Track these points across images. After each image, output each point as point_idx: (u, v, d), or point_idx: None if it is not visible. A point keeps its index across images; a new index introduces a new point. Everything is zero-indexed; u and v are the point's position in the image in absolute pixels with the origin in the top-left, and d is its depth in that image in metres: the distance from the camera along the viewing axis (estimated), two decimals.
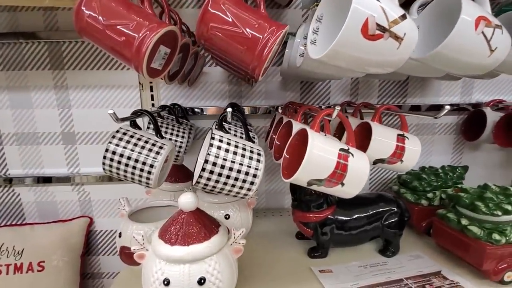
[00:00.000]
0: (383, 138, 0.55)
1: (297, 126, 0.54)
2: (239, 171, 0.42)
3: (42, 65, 0.77)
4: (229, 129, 0.56)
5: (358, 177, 0.43)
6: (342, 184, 0.43)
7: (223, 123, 0.47)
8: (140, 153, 0.46)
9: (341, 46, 0.36)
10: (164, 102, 0.81)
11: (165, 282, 0.41)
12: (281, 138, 0.62)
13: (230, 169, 0.42)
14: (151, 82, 0.80)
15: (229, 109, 0.42)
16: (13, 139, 0.81)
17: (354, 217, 0.64)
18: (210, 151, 0.40)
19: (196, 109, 0.80)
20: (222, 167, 0.41)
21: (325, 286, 0.54)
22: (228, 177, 0.42)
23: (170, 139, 0.64)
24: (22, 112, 0.79)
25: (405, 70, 0.53)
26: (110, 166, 0.47)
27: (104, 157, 0.46)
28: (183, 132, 0.66)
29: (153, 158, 0.46)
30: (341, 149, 0.42)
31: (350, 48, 0.36)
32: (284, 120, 0.64)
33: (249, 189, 0.44)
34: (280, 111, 0.81)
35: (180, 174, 0.74)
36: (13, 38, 0.73)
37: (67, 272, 0.79)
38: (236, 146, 0.43)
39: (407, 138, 0.56)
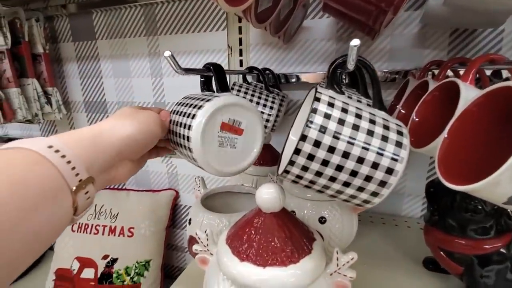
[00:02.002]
0: None
1: (468, 90, 0.30)
2: (360, 160, 0.23)
3: (139, 32, 0.75)
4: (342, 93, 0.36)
5: None
6: None
7: (334, 83, 0.28)
8: (184, 113, 0.31)
9: None
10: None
11: None
12: (424, 112, 0.38)
13: (345, 155, 0.23)
14: (240, 45, 0.67)
15: (356, 42, 0.22)
16: (116, 108, 0.85)
17: None
18: (312, 121, 0.23)
19: (291, 76, 0.63)
20: (331, 150, 0.23)
21: None
22: (339, 168, 0.24)
23: None
24: (123, 81, 0.81)
25: None
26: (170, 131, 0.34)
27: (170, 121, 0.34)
28: (272, 102, 0.51)
29: (191, 118, 0.29)
30: None
31: None
32: (431, 84, 0.40)
33: (375, 194, 0.25)
34: (412, 76, 0.55)
35: (266, 155, 0.60)
36: (113, 4, 0.72)
37: (153, 242, 0.80)
38: (359, 116, 0.24)
39: None
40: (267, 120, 0.50)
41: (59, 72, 0.87)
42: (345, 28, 0.59)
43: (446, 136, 0.27)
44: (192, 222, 0.45)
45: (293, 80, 0.64)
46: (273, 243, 0.28)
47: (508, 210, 0.41)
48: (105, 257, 0.77)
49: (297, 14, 0.52)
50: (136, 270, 0.77)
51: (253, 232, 0.29)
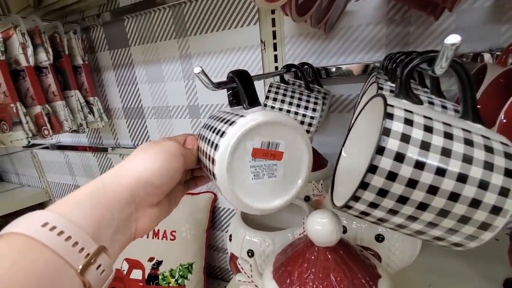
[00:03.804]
0: None
1: None
2: (454, 197, 0.17)
3: (169, 34, 0.74)
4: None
5: None
6: None
7: (410, 84, 0.21)
8: (209, 141, 0.26)
9: None
10: (291, 62, 0.62)
11: None
12: None
13: (432, 189, 0.17)
14: (274, 38, 0.62)
15: (455, 39, 0.16)
16: (152, 113, 0.85)
17: None
18: (386, 147, 0.17)
19: (333, 69, 0.57)
20: (412, 184, 0.17)
21: None
22: (423, 206, 0.18)
23: (297, 113, 0.45)
24: (157, 86, 0.81)
25: None
26: (200, 159, 0.30)
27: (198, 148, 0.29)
28: (315, 104, 0.45)
29: (214, 149, 0.24)
30: None
31: None
32: None
33: (472, 238, 0.19)
34: (489, 59, 0.46)
35: None
36: (143, 8, 0.71)
37: (195, 245, 0.80)
38: (449, 136, 0.18)
39: None
40: (310, 124, 0.45)
41: (98, 81, 0.90)
42: (398, 7, 0.50)
43: None
44: (232, 238, 0.43)
45: (336, 73, 0.57)
46: (330, 286, 0.24)
47: None
48: (150, 259, 0.80)
49: (339, 1, 0.45)
50: (180, 273, 0.78)
51: (305, 269, 0.25)
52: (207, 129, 0.27)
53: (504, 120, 0.32)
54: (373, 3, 0.52)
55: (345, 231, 0.41)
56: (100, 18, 0.77)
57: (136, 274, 0.80)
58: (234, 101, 0.28)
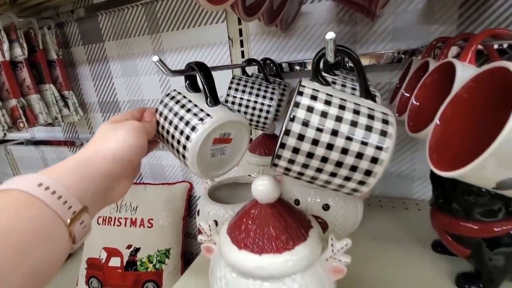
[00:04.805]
0: None
1: (466, 71, 0.29)
2: (345, 151, 0.24)
3: (142, 30, 0.77)
4: (334, 82, 0.36)
5: None
6: None
7: (322, 72, 0.28)
8: (176, 127, 0.31)
9: None
10: (256, 57, 0.68)
11: None
12: (424, 95, 0.37)
13: (329, 146, 0.24)
14: (241, 35, 0.67)
15: (331, 35, 0.23)
16: (128, 106, 0.88)
17: None
18: (296, 115, 0.24)
19: (293, 64, 0.63)
20: (315, 142, 0.24)
21: None
22: (324, 159, 0.24)
23: (256, 102, 0.50)
24: (131, 80, 0.84)
25: None
26: (159, 132, 0.35)
27: (158, 123, 0.34)
28: (272, 93, 0.51)
29: (186, 139, 0.30)
30: None
31: None
32: (432, 65, 0.38)
33: (362, 183, 0.25)
34: (417, 56, 0.53)
35: (270, 145, 0.61)
36: (116, 5, 0.74)
37: (172, 232, 0.84)
38: (342, 107, 0.24)
39: None
40: (268, 111, 0.51)
41: (73, 76, 0.92)
42: (345, 10, 0.57)
43: (438, 122, 0.26)
44: (200, 213, 0.48)
45: (296, 67, 0.63)
46: (268, 232, 0.30)
47: None
48: (128, 246, 0.83)
49: (292, 0, 0.51)
50: (158, 258, 0.82)
51: (250, 222, 0.31)
52: (170, 112, 0.32)
53: (417, 103, 0.39)
54: (325, 5, 0.58)
55: (298, 203, 0.47)
56: (74, 14, 0.79)
57: (115, 262, 0.83)
58: (192, 88, 0.34)
